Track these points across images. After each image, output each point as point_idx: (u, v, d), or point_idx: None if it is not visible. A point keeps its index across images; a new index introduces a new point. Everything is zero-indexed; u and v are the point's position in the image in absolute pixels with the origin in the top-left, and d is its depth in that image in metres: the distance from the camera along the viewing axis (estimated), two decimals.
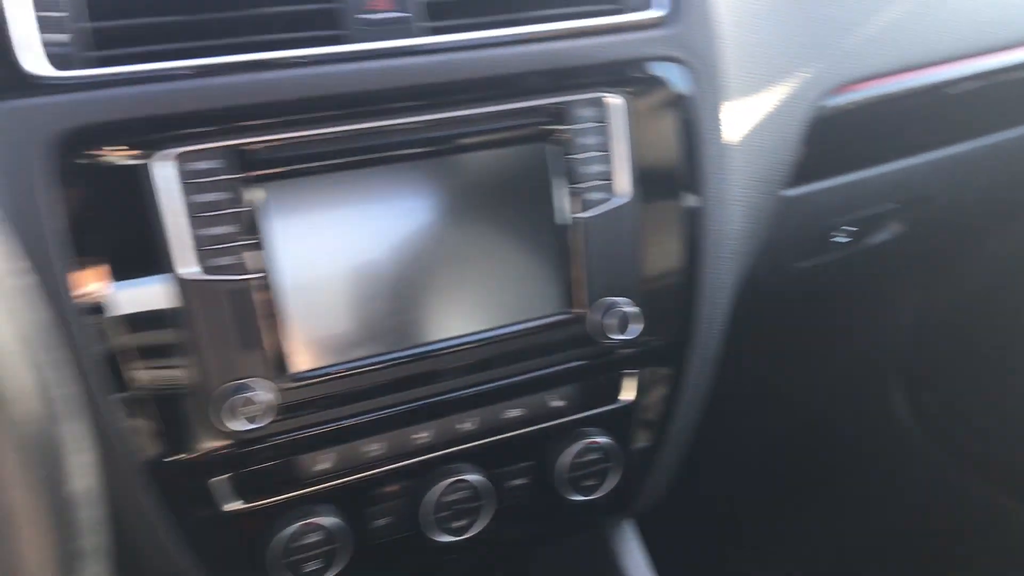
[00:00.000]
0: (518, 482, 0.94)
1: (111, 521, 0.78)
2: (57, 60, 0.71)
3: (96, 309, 0.74)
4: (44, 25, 0.71)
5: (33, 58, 0.71)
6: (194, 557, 0.83)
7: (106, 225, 0.74)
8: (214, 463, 0.80)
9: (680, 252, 0.94)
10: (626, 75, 0.88)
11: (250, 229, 0.77)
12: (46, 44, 0.71)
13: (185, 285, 0.75)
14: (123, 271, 0.75)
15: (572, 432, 0.95)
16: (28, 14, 0.71)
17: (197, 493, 0.81)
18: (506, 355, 0.89)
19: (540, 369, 0.92)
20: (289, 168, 0.78)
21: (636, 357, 0.95)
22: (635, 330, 0.90)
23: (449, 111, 0.82)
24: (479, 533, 0.92)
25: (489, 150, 0.84)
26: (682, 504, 1.08)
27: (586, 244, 0.88)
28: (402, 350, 0.84)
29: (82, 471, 0.41)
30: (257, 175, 0.77)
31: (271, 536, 0.83)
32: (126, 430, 0.77)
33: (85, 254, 0.73)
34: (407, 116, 0.81)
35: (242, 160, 0.76)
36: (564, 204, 0.87)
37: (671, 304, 0.95)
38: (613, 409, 0.97)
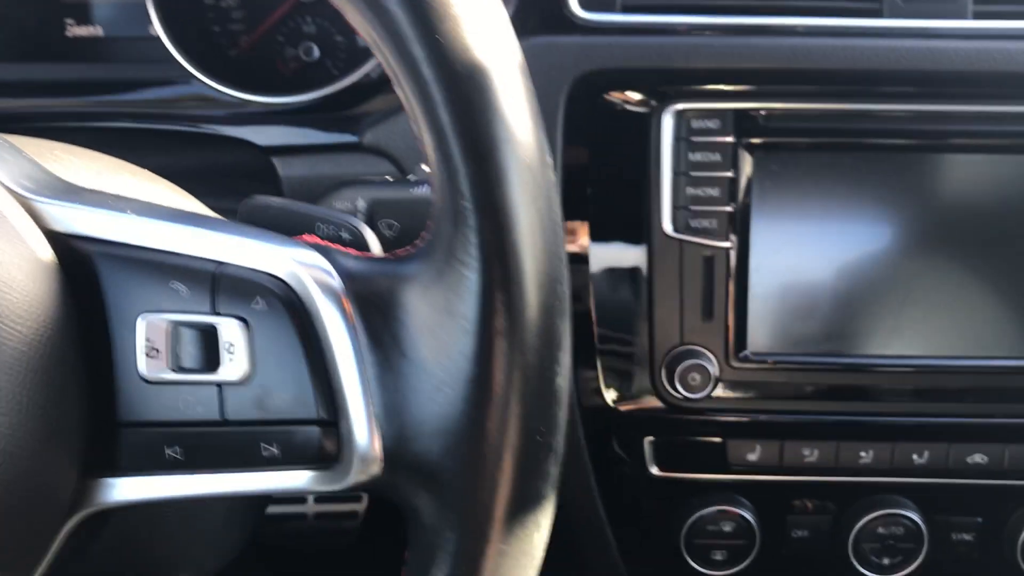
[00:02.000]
0: (962, 536, 0.83)
1: None
2: (587, 2, 0.75)
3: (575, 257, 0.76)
4: None
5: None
6: (609, 514, 0.83)
7: (597, 170, 0.76)
8: (645, 422, 0.80)
9: None
10: None
11: (733, 196, 0.75)
12: None
13: (659, 241, 0.75)
14: (602, 221, 0.77)
15: None
16: None
17: (626, 449, 0.81)
18: (972, 391, 0.79)
19: (1010, 416, 0.80)
20: (785, 140, 0.75)
21: None
22: None
23: (976, 105, 0.73)
24: None
25: (995, 154, 0.75)
26: None
27: None
28: (862, 356, 0.78)
29: (564, 370, 0.41)
30: (751, 142, 0.75)
31: (687, 514, 0.81)
32: (578, 376, 0.79)
33: (573, 198, 0.76)
34: (918, 103, 0.74)
35: (740, 125, 0.74)
36: None
37: None
38: None
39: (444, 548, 0.40)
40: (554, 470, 0.41)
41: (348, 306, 0.41)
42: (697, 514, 0.81)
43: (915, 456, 0.80)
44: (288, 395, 0.41)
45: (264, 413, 0.41)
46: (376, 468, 0.41)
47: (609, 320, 0.78)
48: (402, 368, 0.40)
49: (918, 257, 0.76)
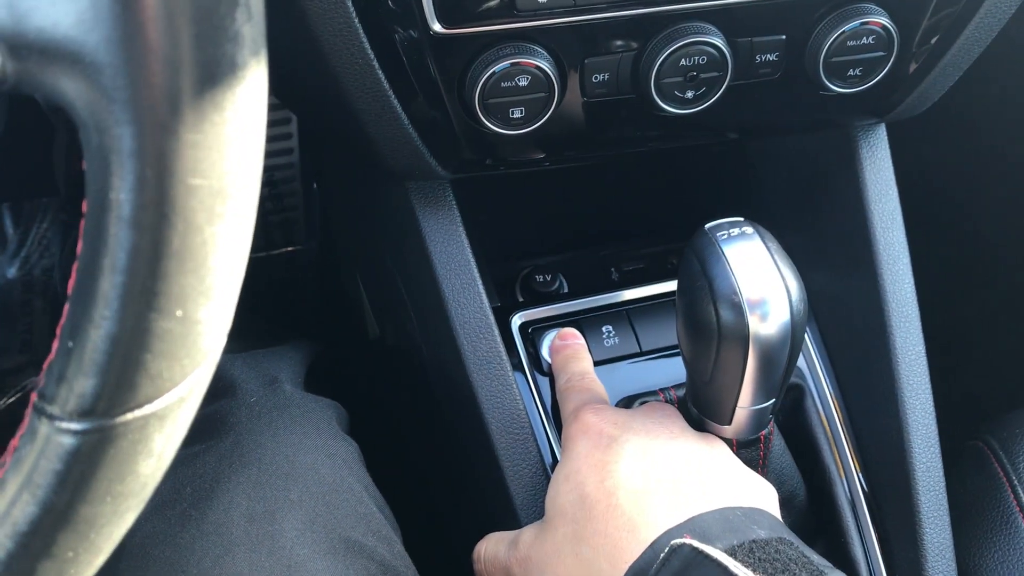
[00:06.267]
0: (767, 57, 0.79)
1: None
2: None
3: None
4: None
5: None
6: (394, 86, 0.75)
7: None
8: None
9: None
10: None
11: None
12: None
13: None
14: None
15: (844, 8, 0.77)
16: None
17: (403, 9, 0.71)
18: None
19: None
20: None
21: None
22: None
23: None
24: (708, 108, 0.79)
25: None
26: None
27: None
28: None
29: None
30: None
31: (478, 73, 0.73)
32: None
33: None
34: None
35: None
36: None
37: None
38: None
39: (118, 150, 0.31)
40: (245, 29, 0.32)
41: None
42: (490, 71, 0.73)
43: None
44: None
45: None
46: None
47: None
48: None
49: None
